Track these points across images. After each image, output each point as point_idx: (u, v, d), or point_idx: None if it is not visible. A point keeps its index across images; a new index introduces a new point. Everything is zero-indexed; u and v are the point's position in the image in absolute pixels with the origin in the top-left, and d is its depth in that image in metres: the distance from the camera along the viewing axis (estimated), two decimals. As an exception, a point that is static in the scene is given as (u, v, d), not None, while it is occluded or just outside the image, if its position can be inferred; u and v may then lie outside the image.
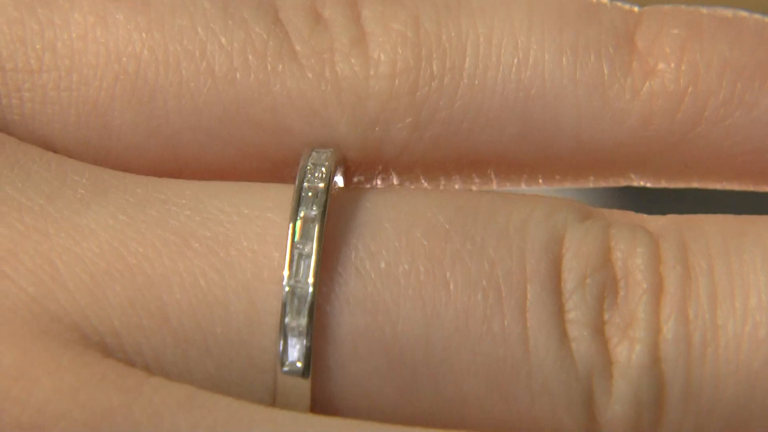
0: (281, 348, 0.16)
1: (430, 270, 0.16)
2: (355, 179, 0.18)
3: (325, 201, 0.16)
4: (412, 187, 0.18)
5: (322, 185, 0.16)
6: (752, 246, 0.16)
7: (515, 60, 0.17)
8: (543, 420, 0.16)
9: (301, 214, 0.16)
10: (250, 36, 0.17)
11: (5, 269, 0.16)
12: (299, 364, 0.16)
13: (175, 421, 0.15)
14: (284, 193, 0.16)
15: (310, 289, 0.16)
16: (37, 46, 0.17)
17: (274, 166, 0.17)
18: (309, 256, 0.16)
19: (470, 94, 0.17)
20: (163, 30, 0.17)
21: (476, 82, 0.17)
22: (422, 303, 0.16)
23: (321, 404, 0.17)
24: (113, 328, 0.16)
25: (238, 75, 0.17)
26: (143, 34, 0.17)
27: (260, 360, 0.16)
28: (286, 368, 0.16)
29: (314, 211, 0.16)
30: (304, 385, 0.16)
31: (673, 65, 0.17)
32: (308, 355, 0.16)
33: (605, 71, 0.17)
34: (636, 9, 0.17)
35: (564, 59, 0.17)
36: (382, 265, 0.16)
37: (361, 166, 0.18)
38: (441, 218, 0.16)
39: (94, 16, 0.17)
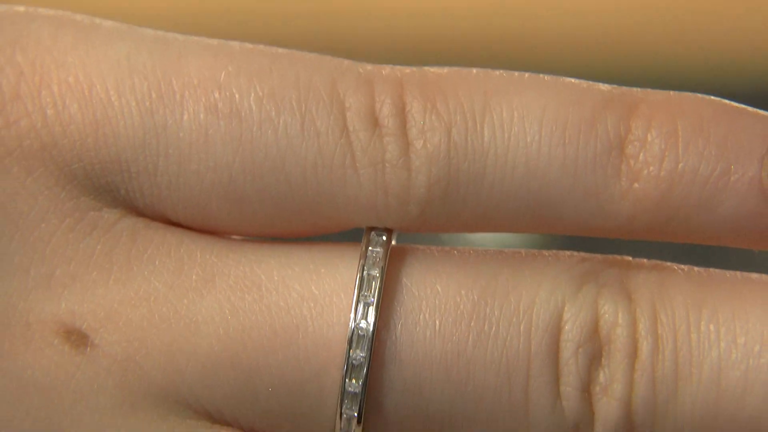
0: (342, 406, 0.20)
1: (455, 354, 0.20)
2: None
3: (380, 288, 0.20)
4: (448, 250, 0.21)
5: (378, 273, 0.20)
6: (708, 320, 0.20)
7: (526, 172, 0.20)
8: None
9: (362, 300, 0.20)
10: (320, 150, 0.20)
11: (137, 359, 0.20)
12: (353, 417, 0.20)
13: None
14: (349, 277, 0.20)
15: (365, 372, 0.20)
16: (154, 152, 0.20)
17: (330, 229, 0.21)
18: (366, 340, 0.20)
19: (490, 197, 0.21)
20: (252, 144, 0.20)
21: (495, 188, 0.21)
22: (449, 383, 0.20)
23: None
24: (218, 407, 0.20)
25: (309, 186, 0.20)
26: (236, 148, 0.20)
27: (326, 427, 0.20)
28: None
29: (372, 299, 0.20)
30: None
31: (653, 174, 0.20)
32: (361, 412, 0.20)
33: (599, 181, 0.20)
34: (630, 101, 0.21)
35: (566, 171, 0.20)
36: (420, 352, 0.20)
37: (409, 231, 0.21)
38: (467, 302, 0.20)
39: (198, 127, 0.20)
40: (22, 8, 0.20)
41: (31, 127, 0.20)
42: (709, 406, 0.20)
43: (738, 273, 0.21)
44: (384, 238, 0.21)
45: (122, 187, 0.20)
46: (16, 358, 0.19)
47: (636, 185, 0.20)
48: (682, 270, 0.21)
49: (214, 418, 0.20)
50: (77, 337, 0.20)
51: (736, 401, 0.20)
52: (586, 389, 0.20)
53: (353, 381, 0.20)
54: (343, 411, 0.20)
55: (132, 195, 0.20)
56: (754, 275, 0.21)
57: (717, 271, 0.21)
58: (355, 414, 0.20)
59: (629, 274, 0.21)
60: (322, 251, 0.21)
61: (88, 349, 0.20)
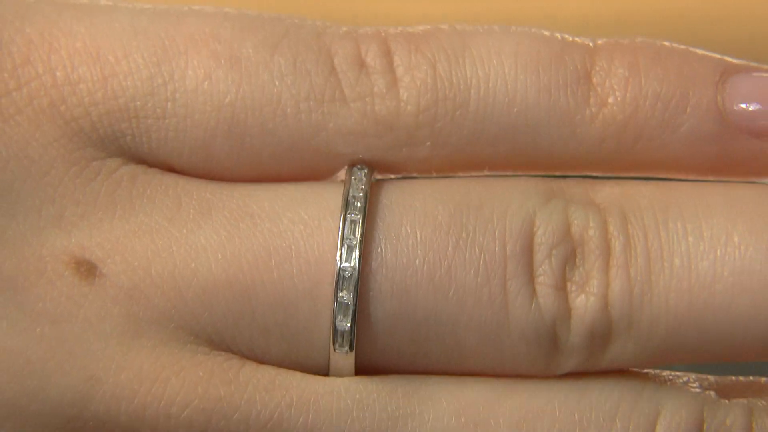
0: (335, 322, 0.21)
1: (437, 260, 0.21)
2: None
3: (365, 207, 0.22)
4: (422, 178, 0.23)
5: (362, 194, 0.22)
6: (675, 219, 0.22)
7: (507, 99, 0.22)
8: (520, 356, 0.21)
9: (349, 218, 0.21)
10: (312, 86, 0.22)
11: (141, 287, 0.21)
12: (346, 345, 0.21)
13: (263, 402, 0.21)
14: (335, 203, 0.22)
15: (356, 282, 0.21)
16: (162, 98, 0.22)
17: (324, 175, 0.23)
18: (354, 255, 0.21)
19: (474, 124, 0.22)
20: (250, 83, 0.22)
21: (478, 115, 0.22)
22: (432, 285, 0.21)
23: (360, 367, 0.22)
24: (217, 329, 0.21)
25: (303, 116, 0.22)
26: (236, 87, 0.22)
27: (319, 341, 0.22)
28: (337, 349, 0.21)
29: (358, 216, 0.21)
30: (350, 358, 0.21)
31: (619, 99, 0.22)
32: (353, 334, 0.21)
33: (571, 105, 0.22)
34: (591, 45, 0.23)
35: (541, 98, 0.22)
36: (404, 260, 0.21)
37: (390, 172, 0.23)
38: (444, 214, 0.22)
39: (203, 72, 0.22)
40: None
41: (40, 87, 0.21)
42: (683, 296, 0.21)
43: (697, 182, 0.23)
44: (366, 170, 0.22)
45: (129, 133, 0.22)
46: (29, 290, 0.21)
47: (604, 109, 0.22)
48: (644, 182, 0.23)
49: (213, 343, 0.21)
50: (86, 268, 0.21)
51: (707, 289, 0.21)
52: (562, 288, 0.21)
53: (344, 292, 0.21)
54: (336, 323, 0.21)
55: (138, 140, 0.22)
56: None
57: (676, 181, 0.23)
58: (348, 325, 0.21)
59: (594, 189, 0.23)
60: (309, 185, 0.22)
61: (96, 279, 0.21)
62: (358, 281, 0.21)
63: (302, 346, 0.22)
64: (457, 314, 0.21)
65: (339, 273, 0.21)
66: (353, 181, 0.22)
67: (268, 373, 0.21)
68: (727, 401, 0.22)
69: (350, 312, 0.21)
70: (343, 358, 0.21)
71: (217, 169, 0.22)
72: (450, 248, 0.21)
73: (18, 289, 0.21)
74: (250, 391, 0.21)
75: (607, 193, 0.22)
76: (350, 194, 0.22)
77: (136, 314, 0.21)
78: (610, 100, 0.22)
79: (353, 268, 0.21)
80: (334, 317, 0.21)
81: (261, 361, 0.22)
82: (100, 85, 0.22)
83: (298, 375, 0.21)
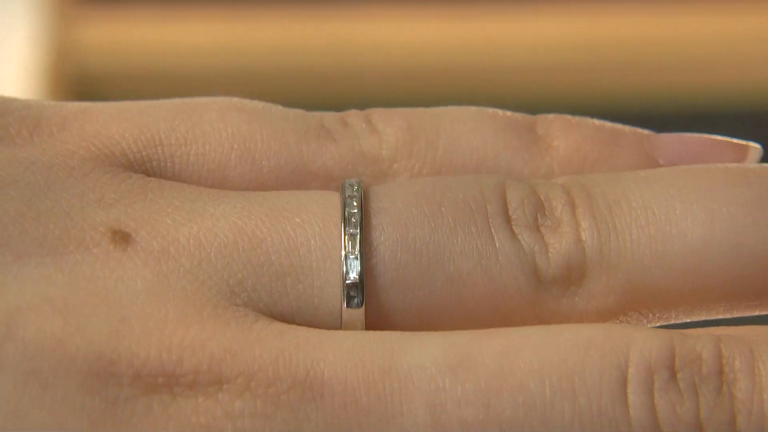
0: (346, 277, 0.24)
1: (429, 200, 0.24)
2: None
3: (359, 189, 0.25)
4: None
5: (357, 184, 0.25)
6: (630, 180, 0.25)
7: (470, 143, 0.26)
8: (508, 284, 0.24)
9: (351, 203, 0.24)
10: (309, 129, 0.26)
11: (169, 250, 0.24)
12: (356, 298, 0.24)
13: (273, 344, 0.23)
14: (335, 200, 0.25)
15: (359, 231, 0.24)
16: (184, 130, 0.26)
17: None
18: (357, 221, 0.24)
19: (442, 160, 0.26)
20: (259, 121, 0.26)
21: (447, 155, 0.26)
22: (428, 221, 0.24)
23: (372, 310, 0.24)
24: (236, 282, 0.24)
25: (303, 148, 0.26)
26: (247, 124, 0.26)
27: (330, 296, 0.24)
28: (346, 305, 0.24)
29: (356, 201, 0.24)
30: (361, 312, 0.24)
31: (565, 143, 0.26)
32: (362, 287, 0.24)
33: (524, 148, 0.26)
34: (529, 120, 0.27)
35: (501, 141, 0.26)
36: (401, 204, 0.24)
37: None
38: (430, 181, 0.25)
39: (218, 114, 0.26)
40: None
41: (79, 130, 0.26)
42: (642, 230, 0.24)
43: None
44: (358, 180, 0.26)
45: (154, 158, 0.25)
46: (69, 255, 0.23)
47: (552, 153, 0.26)
48: (597, 173, 0.26)
49: (233, 297, 0.24)
50: (120, 237, 0.23)
51: (663, 224, 0.24)
52: (537, 230, 0.24)
53: (349, 243, 0.24)
54: (344, 242, 0.24)
55: (163, 165, 0.26)
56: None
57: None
58: (358, 230, 0.24)
59: (557, 178, 0.26)
60: (308, 191, 0.26)
61: (129, 246, 0.23)
62: (362, 225, 0.24)
63: (314, 303, 0.24)
64: (451, 244, 0.24)
65: (346, 233, 0.24)
66: (347, 181, 0.25)
67: (280, 324, 0.23)
68: (694, 335, 0.23)
69: (358, 270, 0.24)
70: (354, 314, 0.24)
71: (230, 188, 0.26)
72: (438, 194, 0.24)
73: (59, 254, 0.23)
74: (263, 334, 0.23)
75: (567, 178, 0.26)
76: (347, 183, 0.25)
77: (164, 273, 0.23)
78: (555, 143, 0.26)
79: (358, 231, 0.24)
80: (345, 273, 0.24)
81: (275, 318, 0.24)
82: (128, 128, 0.26)
83: (307, 328, 0.24)
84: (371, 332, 0.23)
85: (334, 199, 0.24)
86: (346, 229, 0.24)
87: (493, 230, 0.24)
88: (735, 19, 0.81)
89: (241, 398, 0.23)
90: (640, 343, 0.23)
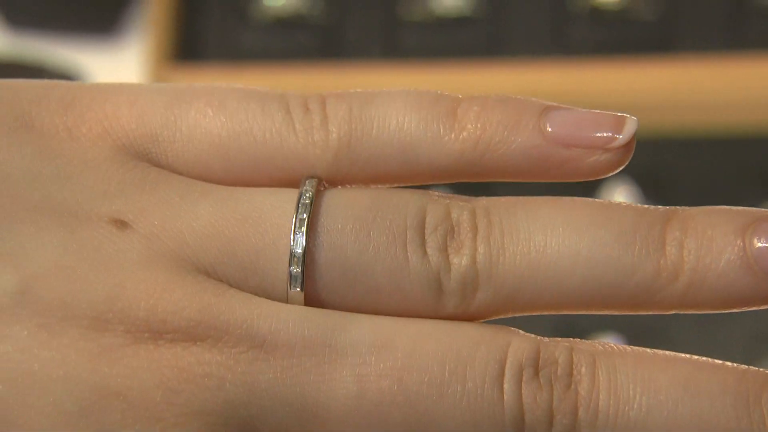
0: (291, 267, 0.28)
1: (361, 227, 0.28)
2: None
3: (311, 205, 0.28)
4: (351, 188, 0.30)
5: (311, 190, 0.29)
6: (521, 212, 0.29)
7: (398, 129, 0.29)
8: (417, 296, 0.28)
9: (301, 201, 0.28)
10: (274, 123, 0.29)
11: (159, 234, 0.28)
12: (297, 286, 0.28)
13: (241, 311, 0.27)
14: (293, 195, 0.29)
15: (305, 233, 0.28)
16: (173, 129, 0.30)
17: (282, 184, 0.30)
18: (304, 225, 0.28)
19: (374, 146, 0.29)
20: (232, 121, 0.30)
21: (378, 142, 0.29)
22: (357, 244, 0.28)
23: (308, 296, 0.28)
24: (210, 263, 0.28)
25: (268, 143, 0.29)
26: (221, 123, 0.30)
27: (280, 281, 0.28)
28: (291, 288, 0.28)
29: (306, 214, 0.28)
30: (301, 295, 0.28)
31: (473, 126, 0.29)
32: (303, 277, 0.28)
33: (442, 129, 0.29)
34: (458, 96, 0.30)
35: (422, 125, 0.29)
36: (338, 226, 0.28)
37: (328, 181, 0.30)
38: (366, 201, 0.29)
39: (200, 113, 0.30)
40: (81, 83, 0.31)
41: (97, 121, 0.30)
42: (524, 257, 0.28)
43: (536, 197, 0.30)
44: (314, 180, 0.29)
45: (152, 151, 0.30)
46: (79, 233, 0.28)
47: (463, 132, 0.29)
48: (502, 197, 0.30)
49: (208, 274, 0.28)
50: (120, 223, 0.28)
51: (540, 252, 0.28)
52: (444, 251, 0.28)
53: (296, 248, 0.28)
54: (291, 270, 0.28)
55: (159, 156, 0.30)
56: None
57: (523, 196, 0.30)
58: (299, 270, 0.28)
59: (470, 198, 0.30)
60: (275, 189, 0.30)
61: (127, 230, 0.28)
62: (308, 241, 0.28)
63: (268, 282, 0.29)
64: (374, 264, 0.28)
65: (293, 236, 0.28)
66: (306, 183, 0.29)
67: (246, 294, 0.28)
68: (555, 342, 0.29)
69: (300, 262, 0.28)
70: (296, 295, 0.28)
71: (213, 177, 0.30)
72: (370, 220, 0.29)
73: (71, 231, 0.28)
74: (232, 303, 0.28)
75: (476, 200, 0.30)
76: (303, 189, 0.29)
77: (154, 250, 0.28)
78: (468, 126, 0.29)
79: (303, 233, 0.28)
80: (290, 265, 0.28)
81: (242, 290, 0.29)
82: (135, 119, 0.30)
83: (269, 301, 0.28)
84: (318, 309, 0.28)
85: (289, 208, 0.29)
86: (295, 237, 0.28)
87: (409, 253, 0.28)
88: None
89: (210, 352, 0.27)
90: (516, 344, 0.28)
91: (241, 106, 0.30)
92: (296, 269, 0.28)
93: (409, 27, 0.75)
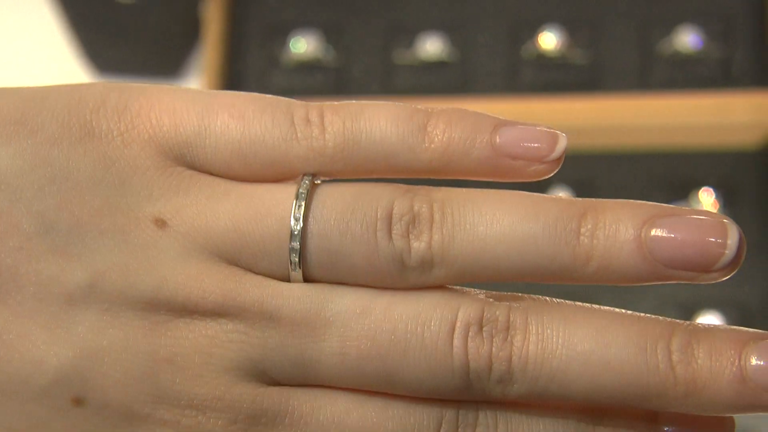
0: (290, 255, 0.31)
1: (341, 219, 0.31)
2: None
3: (308, 195, 0.31)
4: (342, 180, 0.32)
5: (307, 186, 0.31)
6: (469, 204, 0.31)
7: (381, 140, 0.32)
8: (386, 271, 0.31)
9: (299, 196, 0.31)
10: (281, 133, 0.31)
11: (190, 232, 0.30)
12: (298, 268, 0.31)
13: (256, 291, 0.31)
14: (292, 191, 0.31)
15: (300, 225, 0.30)
16: (203, 136, 0.32)
17: (287, 179, 0.32)
18: (299, 219, 0.31)
19: (362, 154, 0.32)
20: (249, 131, 0.32)
21: (366, 150, 0.32)
22: (338, 233, 0.31)
23: (305, 275, 0.31)
24: (231, 253, 0.31)
25: (277, 149, 0.32)
26: (241, 132, 0.32)
27: (283, 264, 0.31)
28: (292, 270, 0.31)
29: (303, 197, 0.31)
30: (299, 274, 0.31)
31: (438, 139, 0.31)
32: (301, 258, 0.31)
33: (416, 143, 0.32)
34: (429, 110, 0.32)
35: (400, 138, 0.32)
36: (324, 220, 0.31)
37: (324, 176, 0.32)
38: (348, 197, 0.31)
39: (224, 123, 0.32)
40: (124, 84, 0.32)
41: (144, 128, 0.32)
42: (472, 241, 0.31)
43: (483, 189, 0.32)
44: (310, 176, 0.32)
45: (187, 154, 0.32)
46: (128, 233, 0.31)
47: (432, 145, 0.32)
48: (457, 189, 0.32)
49: (230, 262, 0.31)
50: (161, 222, 0.31)
51: (483, 237, 0.31)
52: (407, 237, 0.31)
53: (294, 241, 0.31)
54: (291, 256, 0.31)
55: (193, 159, 0.32)
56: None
57: (473, 188, 0.32)
58: (296, 258, 0.31)
59: (431, 191, 0.32)
60: (282, 184, 0.32)
61: (165, 228, 0.31)
62: (302, 232, 0.31)
63: (275, 264, 0.31)
64: (352, 248, 0.31)
65: (292, 228, 0.31)
66: (303, 181, 0.32)
67: (258, 278, 0.31)
68: (498, 303, 0.31)
69: (297, 250, 0.31)
70: (296, 275, 0.31)
71: (232, 175, 0.32)
72: (349, 214, 0.31)
73: (121, 233, 0.31)
74: (247, 287, 0.31)
75: (436, 193, 0.32)
76: (301, 186, 0.31)
77: (188, 246, 0.30)
78: (435, 140, 0.32)
79: (300, 225, 0.31)
80: (290, 253, 0.31)
81: (257, 273, 0.31)
82: (174, 128, 0.32)
83: (274, 281, 0.31)
84: (312, 285, 0.31)
85: (289, 203, 0.31)
86: (293, 228, 0.31)
87: (378, 240, 0.31)
88: None
89: (233, 323, 0.31)
90: (466, 306, 0.31)
91: (256, 117, 0.32)
92: (294, 256, 0.31)
93: (401, 69, 0.82)
